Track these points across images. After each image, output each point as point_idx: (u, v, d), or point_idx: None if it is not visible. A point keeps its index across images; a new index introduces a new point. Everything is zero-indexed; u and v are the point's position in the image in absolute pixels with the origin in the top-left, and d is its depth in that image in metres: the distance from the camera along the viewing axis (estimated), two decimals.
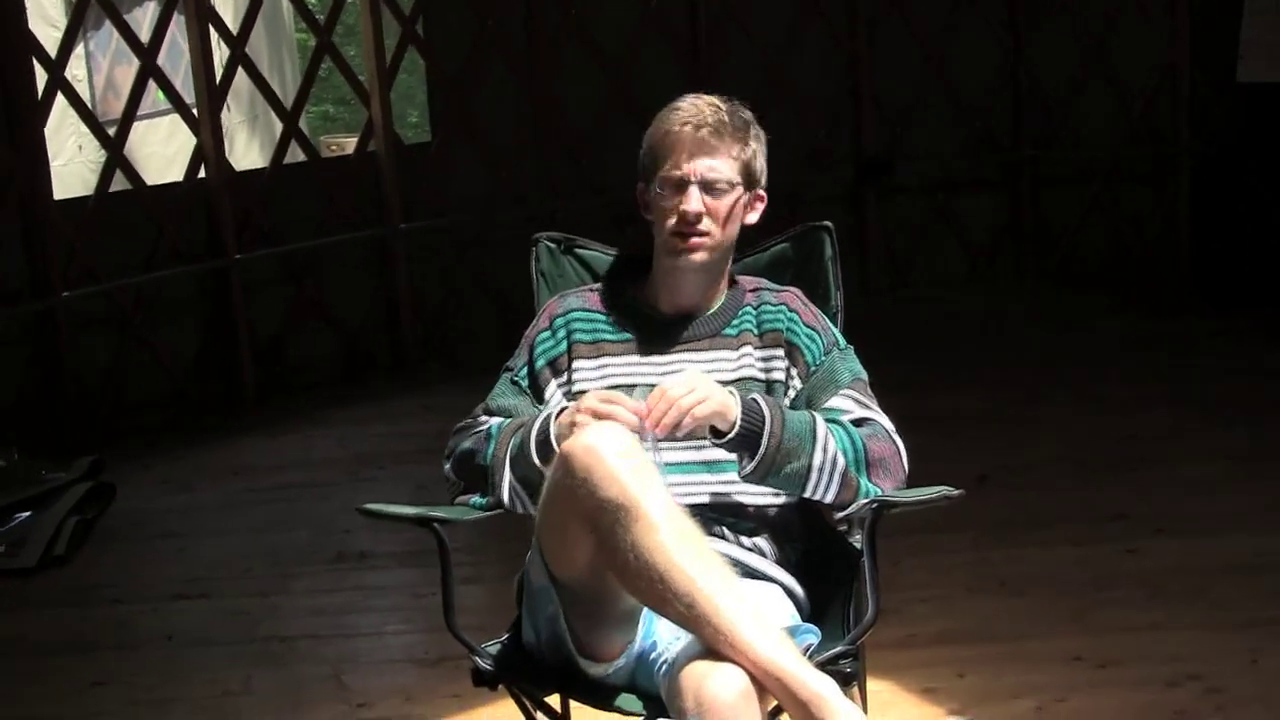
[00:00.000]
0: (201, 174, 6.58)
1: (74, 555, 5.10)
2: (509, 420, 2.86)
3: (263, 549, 5.10)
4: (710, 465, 2.80)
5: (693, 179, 2.82)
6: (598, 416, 2.64)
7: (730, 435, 2.69)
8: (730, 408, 2.69)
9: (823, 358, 2.88)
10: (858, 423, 2.81)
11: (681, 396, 2.64)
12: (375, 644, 4.38)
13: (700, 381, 2.69)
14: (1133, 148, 7.71)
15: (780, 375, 2.87)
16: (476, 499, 2.84)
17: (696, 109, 2.86)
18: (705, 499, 2.81)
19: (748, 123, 2.90)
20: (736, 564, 2.77)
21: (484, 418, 2.91)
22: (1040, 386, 6.26)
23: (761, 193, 2.92)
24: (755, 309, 2.94)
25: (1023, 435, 5.68)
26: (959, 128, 7.79)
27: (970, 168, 7.85)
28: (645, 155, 2.89)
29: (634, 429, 2.60)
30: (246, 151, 8.93)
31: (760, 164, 2.91)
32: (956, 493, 2.70)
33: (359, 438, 6.25)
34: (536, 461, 2.73)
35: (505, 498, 2.80)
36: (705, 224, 2.83)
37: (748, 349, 2.89)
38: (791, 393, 2.87)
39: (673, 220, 2.84)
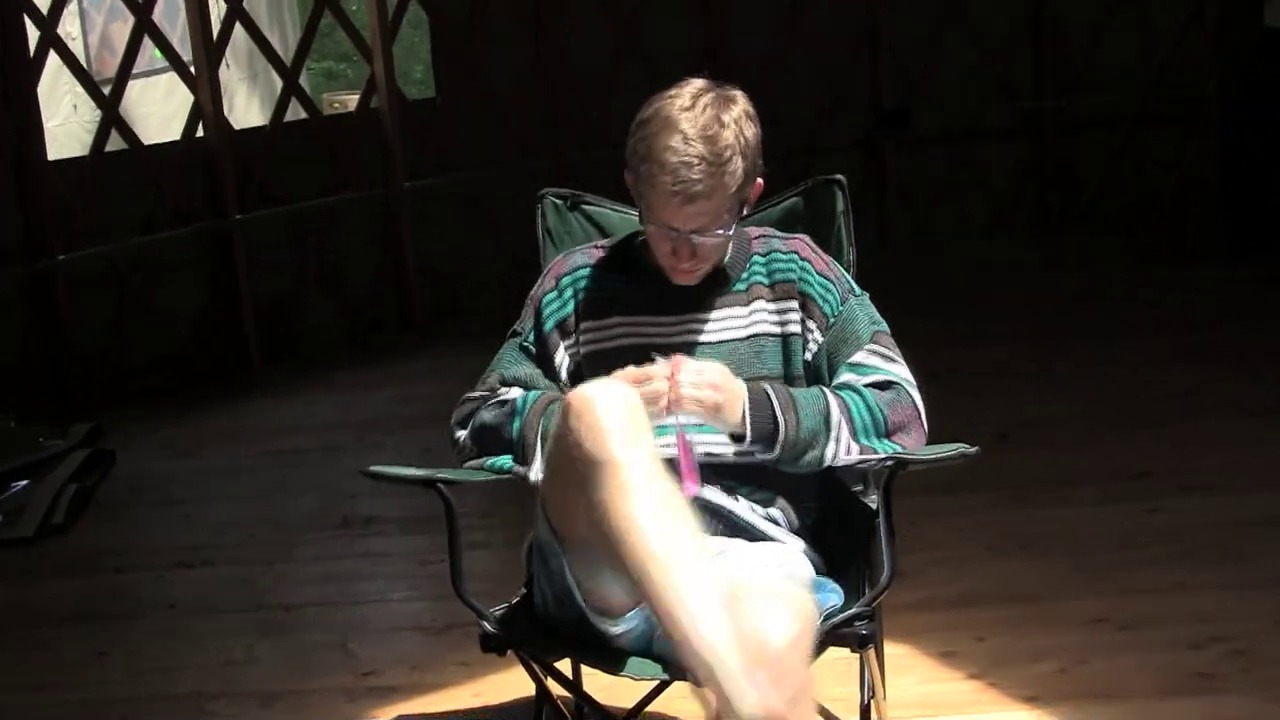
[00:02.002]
0: (200, 133, 6.58)
1: (73, 524, 5.11)
2: (534, 394, 2.85)
3: (267, 515, 5.12)
4: None
5: (683, 231, 2.77)
6: (636, 379, 2.65)
7: (744, 443, 2.72)
8: (735, 407, 2.69)
9: (840, 308, 2.87)
10: (883, 385, 2.81)
11: (688, 383, 2.65)
12: (381, 611, 4.40)
13: (712, 373, 2.69)
14: (1160, 91, 7.65)
15: (796, 328, 2.86)
16: (500, 460, 2.83)
17: (684, 162, 2.69)
18: (722, 456, 2.80)
19: (731, 150, 2.72)
20: (751, 530, 2.78)
21: (502, 389, 2.89)
22: (1063, 338, 6.24)
23: (760, 180, 2.84)
24: (764, 258, 2.91)
25: (1044, 390, 5.67)
26: (979, 73, 7.74)
27: (991, 114, 7.81)
28: (634, 158, 2.78)
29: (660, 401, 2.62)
30: (246, 110, 8.91)
31: (752, 165, 2.77)
32: (973, 450, 2.70)
33: (365, 401, 6.26)
34: None
35: (536, 477, 2.79)
36: (698, 259, 2.81)
37: (759, 302, 2.88)
38: (812, 345, 2.85)
39: (665, 250, 2.81)
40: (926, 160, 7.81)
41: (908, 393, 2.82)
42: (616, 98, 7.01)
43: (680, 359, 2.69)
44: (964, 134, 7.80)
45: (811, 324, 2.86)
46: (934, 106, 7.72)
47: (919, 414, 2.83)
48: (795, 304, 2.87)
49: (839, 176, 3.15)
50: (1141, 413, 5.34)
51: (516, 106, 7.26)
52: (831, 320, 2.86)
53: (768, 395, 2.73)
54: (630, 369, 2.69)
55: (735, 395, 2.71)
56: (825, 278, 2.89)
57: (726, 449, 2.79)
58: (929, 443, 2.85)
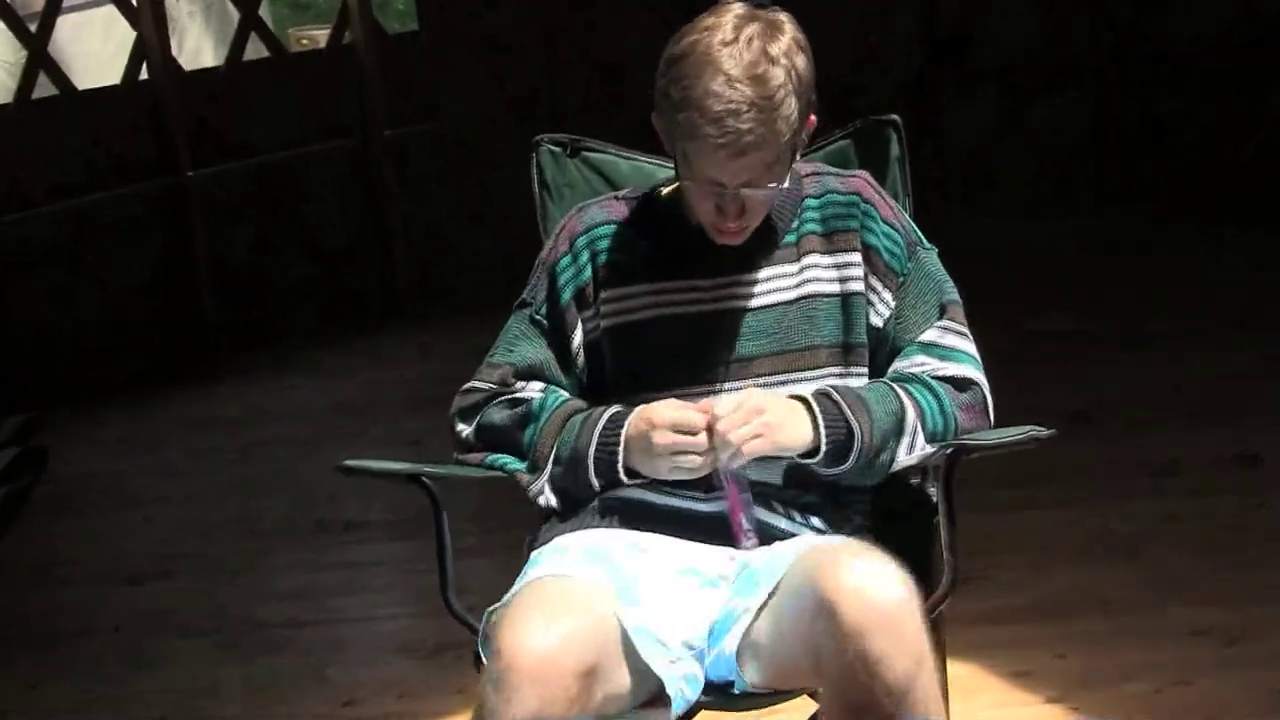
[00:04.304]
0: (144, 75, 6.57)
1: (2, 533, 5.08)
2: (554, 398, 2.82)
3: (231, 520, 5.13)
4: None
5: (730, 187, 2.71)
6: (676, 430, 2.64)
7: (818, 458, 2.70)
8: (798, 435, 2.67)
9: (908, 265, 2.83)
10: (959, 383, 2.78)
11: (733, 429, 2.62)
12: (363, 630, 4.40)
13: (754, 408, 2.65)
14: (1243, 34, 7.60)
15: (858, 285, 2.81)
16: (503, 458, 2.82)
17: (730, 109, 2.61)
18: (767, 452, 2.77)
19: (783, 90, 2.64)
20: (789, 537, 2.76)
21: (517, 384, 2.85)
22: (1143, 309, 6.25)
23: (812, 117, 2.78)
24: (819, 200, 2.86)
25: (1126, 365, 5.67)
26: (1037, 12, 7.70)
27: (1050, 59, 7.77)
28: (666, 103, 2.70)
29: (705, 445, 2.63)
30: (198, 48, 8.93)
31: (806, 103, 2.71)
32: (1047, 433, 2.67)
33: (343, 386, 6.28)
34: (594, 480, 2.74)
35: (537, 496, 2.80)
36: (745, 218, 2.76)
37: (812, 256, 2.83)
38: (881, 308, 2.80)
39: (708, 208, 2.75)
40: (977, 110, 7.77)
41: (982, 391, 2.81)
42: (626, 34, 7.01)
43: (710, 404, 2.66)
44: (1020, 82, 7.76)
45: (876, 281, 2.81)
46: (986, 50, 7.69)
47: (988, 416, 2.82)
48: (857, 256, 2.82)
49: (894, 117, 3.11)
50: (1243, 390, 5.32)
51: (513, 43, 7.24)
52: (900, 279, 2.82)
53: (834, 400, 2.70)
54: (670, 413, 2.66)
55: (787, 410, 2.68)
56: (890, 225, 2.84)
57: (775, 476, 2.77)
58: (995, 425, 2.82)
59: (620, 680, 2.53)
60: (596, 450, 2.72)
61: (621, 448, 2.70)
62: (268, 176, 6.89)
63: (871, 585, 2.40)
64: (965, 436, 2.75)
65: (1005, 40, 7.72)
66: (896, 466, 2.76)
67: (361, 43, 6.98)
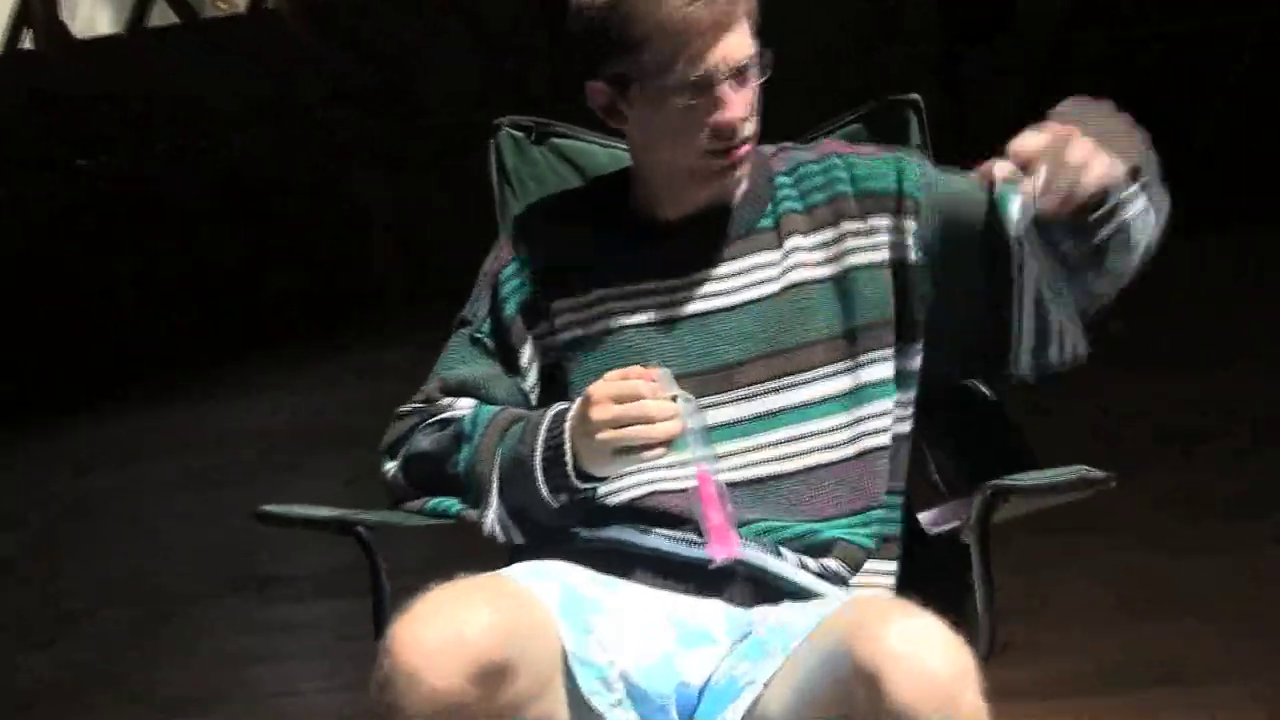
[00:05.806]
0: (28, 44, 6.58)
1: None
2: (488, 410, 2.82)
3: (133, 574, 5.14)
4: (773, 419, 2.75)
5: (721, 75, 2.72)
6: (619, 400, 2.56)
7: (1130, 189, 2.74)
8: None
9: (918, 188, 2.82)
10: None
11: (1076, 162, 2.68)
12: (291, 706, 4.42)
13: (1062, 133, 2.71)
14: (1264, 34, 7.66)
15: (864, 257, 2.80)
16: (443, 502, 2.79)
17: None
18: (762, 473, 2.76)
19: None
20: (798, 592, 2.75)
21: (444, 400, 2.86)
22: (1213, 324, 6.26)
23: None
24: (791, 177, 2.88)
25: (1196, 392, 5.68)
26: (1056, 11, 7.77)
27: (1083, 40, 7.82)
28: (603, 39, 2.72)
29: (657, 392, 2.56)
30: (93, 13, 8.93)
31: None
32: (1101, 476, 2.64)
33: (287, 407, 6.37)
34: (545, 492, 2.68)
35: (493, 529, 2.76)
36: (745, 127, 2.77)
37: (796, 238, 2.84)
38: (913, 242, 2.79)
39: (702, 135, 2.75)
40: (1004, 96, 7.81)
41: None
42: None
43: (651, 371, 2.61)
44: (1051, 64, 7.81)
45: (906, 223, 2.80)
46: (1014, 30, 7.76)
47: None
48: (855, 224, 2.82)
49: (914, 96, 3.16)
50: None
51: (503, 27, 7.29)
52: (915, 200, 2.81)
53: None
54: (607, 385, 2.60)
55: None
56: (872, 157, 2.87)
57: (768, 452, 2.75)
58: (1041, 464, 2.80)
59: (547, 701, 2.48)
60: (543, 453, 2.68)
61: (569, 443, 2.65)
62: (186, 162, 6.93)
63: (921, 653, 2.34)
64: (1004, 480, 2.70)
65: (1029, 33, 7.80)
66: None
67: (286, 6, 6.97)
